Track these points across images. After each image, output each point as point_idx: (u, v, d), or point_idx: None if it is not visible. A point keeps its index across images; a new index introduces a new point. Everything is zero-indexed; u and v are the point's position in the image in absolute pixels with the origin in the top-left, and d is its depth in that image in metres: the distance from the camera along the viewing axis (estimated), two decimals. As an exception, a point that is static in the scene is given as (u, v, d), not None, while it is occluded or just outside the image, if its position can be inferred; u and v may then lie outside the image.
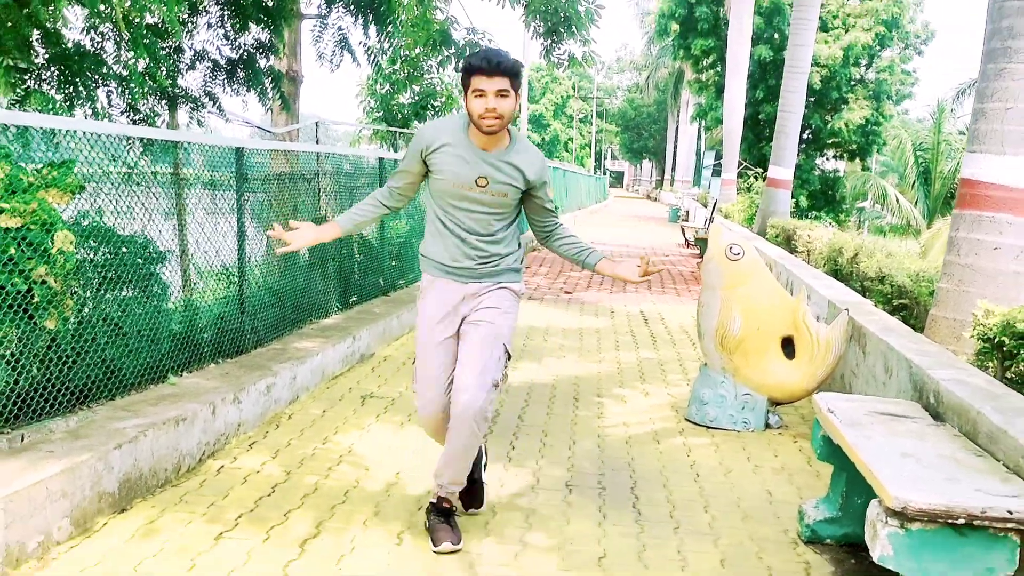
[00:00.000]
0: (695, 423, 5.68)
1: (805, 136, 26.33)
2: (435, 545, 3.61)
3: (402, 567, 3.49)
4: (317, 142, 11.11)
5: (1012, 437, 3.02)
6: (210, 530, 3.73)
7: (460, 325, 3.64)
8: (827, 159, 29.64)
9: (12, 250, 3.98)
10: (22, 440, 3.85)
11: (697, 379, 5.81)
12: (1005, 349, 4.58)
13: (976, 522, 2.64)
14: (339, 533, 3.78)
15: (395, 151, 13.51)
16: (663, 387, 6.69)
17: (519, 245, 3.76)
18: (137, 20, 5.69)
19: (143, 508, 3.93)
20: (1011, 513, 2.62)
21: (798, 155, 22.14)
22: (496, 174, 3.50)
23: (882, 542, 2.75)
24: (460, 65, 3.53)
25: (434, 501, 3.76)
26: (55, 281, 4.22)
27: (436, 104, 14.36)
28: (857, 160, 29.33)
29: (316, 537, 3.73)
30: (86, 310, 4.55)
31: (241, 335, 5.87)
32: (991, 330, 4.67)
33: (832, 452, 3.80)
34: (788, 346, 5.61)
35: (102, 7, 5.41)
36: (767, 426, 5.63)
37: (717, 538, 3.92)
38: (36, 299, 4.11)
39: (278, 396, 5.46)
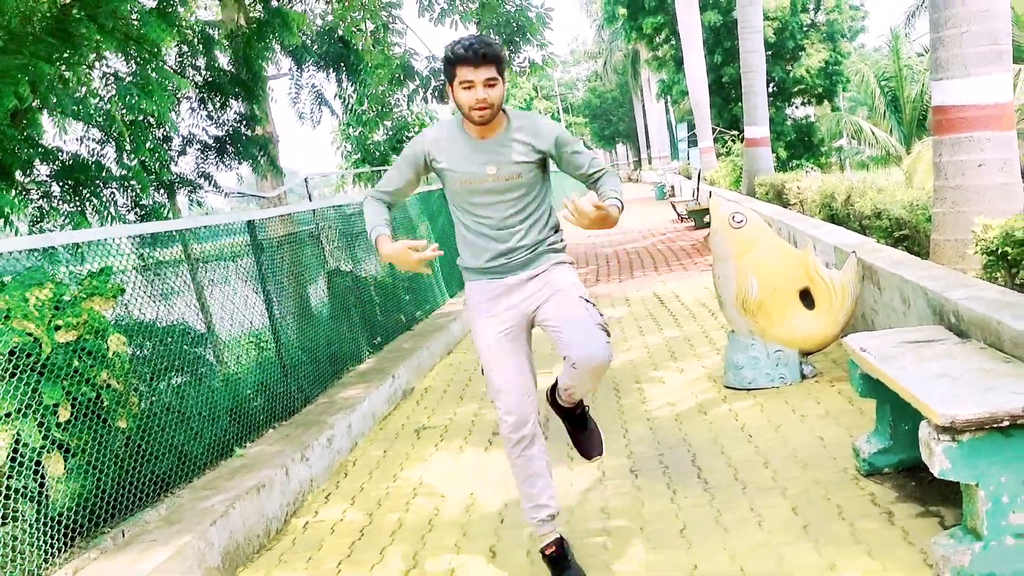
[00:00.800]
0: (735, 388, 5.92)
1: (770, 89, 26.59)
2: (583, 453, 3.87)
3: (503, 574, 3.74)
4: (310, 198, 11.36)
5: (1036, 339, 3.27)
6: (316, 581, 3.97)
7: (526, 316, 3.55)
8: (796, 107, 29.91)
9: (76, 362, 4.23)
10: (123, 535, 4.09)
11: (728, 346, 6.05)
12: (1010, 258, 4.80)
13: (1020, 421, 2.88)
14: (436, 560, 4.01)
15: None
16: (695, 361, 6.93)
17: (556, 228, 3.64)
18: (133, 121, 5.95)
19: (248, 575, 4.17)
20: (1050, 406, 2.86)
21: (769, 109, 22.42)
22: (503, 158, 3.41)
23: (939, 458, 2.98)
24: (443, 55, 3.43)
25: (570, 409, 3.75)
26: (117, 383, 4.47)
27: (410, 135, 14.61)
28: (825, 102, 29.61)
29: (416, 568, 3.96)
30: (147, 403, 4.79)
31: (289, 397, 6.12)
32: (993, 243, 4.89)
33: (872, 387, 4.04)
34: (806, 298, 5.84)
35: (100, 118, 5.68)
36: (803, 377, 5.86)
37: (784, 489, 4.15)
38: (105, 403, 4.36)
39: (339, 446, 5.70)
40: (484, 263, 3.55)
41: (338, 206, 8.49)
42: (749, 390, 5.84)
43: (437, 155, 3.48)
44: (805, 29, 26.56)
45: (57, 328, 4.25)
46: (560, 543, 3.61)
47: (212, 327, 5.87)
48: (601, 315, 3.46)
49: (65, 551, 3.87)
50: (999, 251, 4.86)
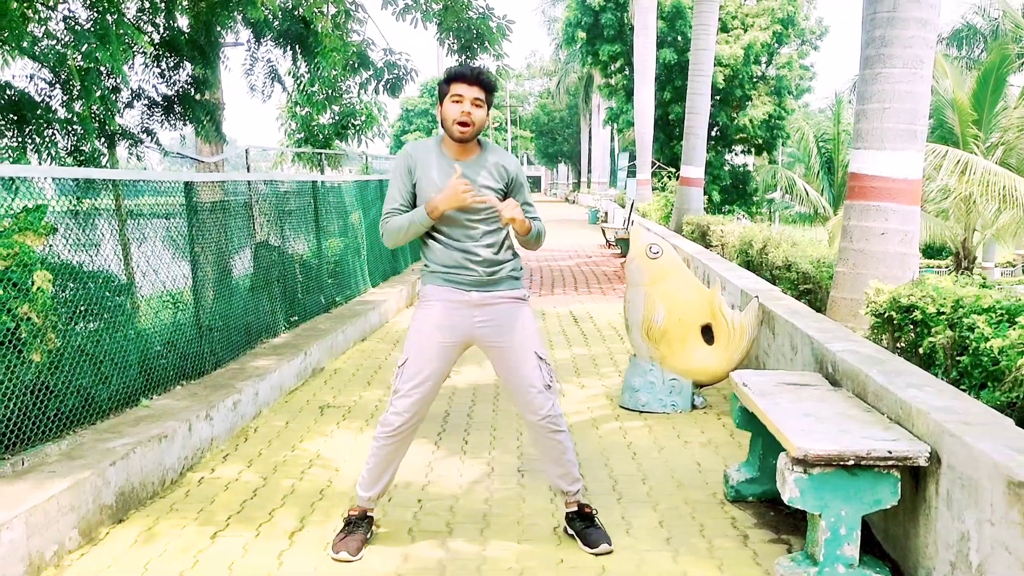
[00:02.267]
0: (629, 409, 6.24)
1: (713, 133, 27.36)
2: (592, 548, 3.84)
3: (381, 548, 3.95)
4: (248, 169, 11.43)
5: (893, 393, 3.61)
6: (205, 531, 4.14)
7: (467, 340, 3.86)
8: (736, 154, 30.76)
9: (0, 291, 4.34)
10: (23, 464, 4.20)
11: (628, 369, 6.37)
12: (895, 323, 5.20)
13: (863, 462, 3.22)
14: (322, 525, 4.22)
15: (321, 172, 13.86)
16: (597, 379, 7.24)
17: (515, 254, 3.91)
18: (87, 68, 6.03)
19: (138, 518, 4.32)
20: (891, 453, 3.19)
21: (708, 152, 23.09)
22: (475, 178, 3.68)
23: (790, 486, 3.31)
24: (443, 76, 3.74)
25: (574, 510, 4.00)
26: (37, 317, 4.58)
27: (356, 123, 14.69)
28: (764, 154, 30.49)
29: (302, 530, 4.16)
30: (63, 342, 4.89)
31: (201, 358, 6.24)
32: (881, 306, 5.28)
33: (748, 420, 4.39)
34: (707, 333, 6.19)
35: (53, 60, 5.76)
36: (693, 407, 6.21)
37: (655, 504, 4.46)
38: (23, 335, 4.47)
39: (244, 412, 5.86)
40: (447, 269, 3.79)
41: (275, 181, 8.62)
42: (641, 412, 6.16)
43: (416, 166, 3.76)
44: (754, 80, 27.38)
45: (-14, 256, 4.35)
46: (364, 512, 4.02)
47: (133, 279, 5.97)
48: (550, 368, 3.91)
49: (-36, 471, 3.98)
50: (886, 315, 5.25)
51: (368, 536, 3.97)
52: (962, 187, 18.96)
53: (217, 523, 4.24)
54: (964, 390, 4.09)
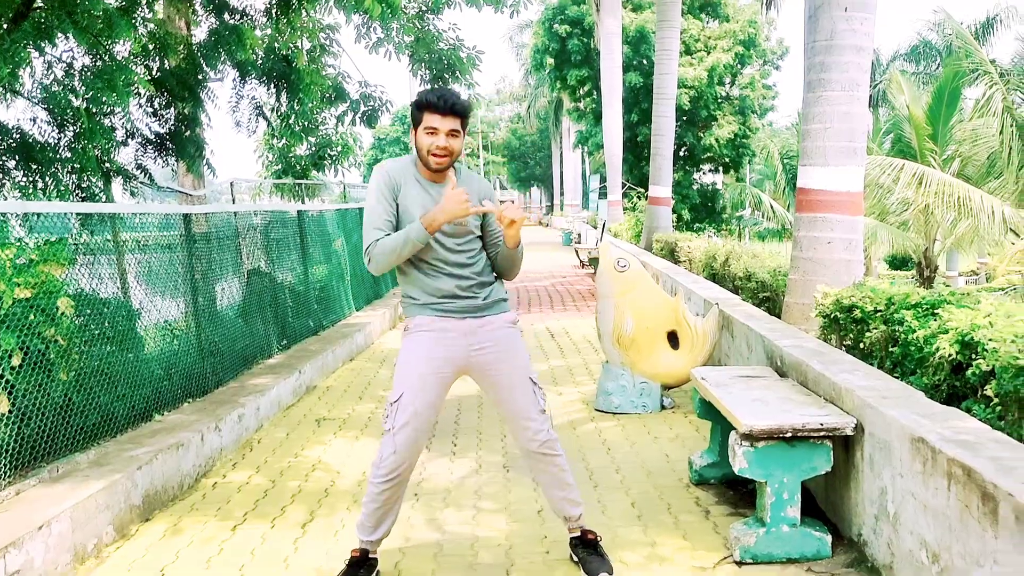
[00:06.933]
0: (603, 411, 6.76)
1: (681, 153, 28.06)
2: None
3: (385, 533, 4.44)
4: (233, 200, 11.91)
5: (828, 377, 4.16)
6: (225, 525, 4.62)
7: (461, 369, 3.71)
8: (704, 173, 31.48)
9: (30, 316, 4.81)
10: (58, 471, 4.66)
11: (601, 374, 6.90)
12: (840, 322, 5.75)
13: (800, 434, 3.76)
14: (329, 517, 4.70)
15: (302, 201, 14.32)
16: (574, 387, 7.76)
17: (498, 278, 3.82)
18: (92, 111, 6.53)
19: (163, 517, 4.79)
20: (822, 425, 3.74)
21: (677, 172, 23.72)
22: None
23: (739, 459, 3.84)
24: (414, 99, 3.65)
25: (577, 536, 3.95)
26: (63, 340, 5.05)
27: (332, 153, 15.18)
28: (732, 172, 31.24)
29: (312, 521, 4.65)
30: (84, 363, 5.36)
31: (204, 377, 6.71)
32: (828, 308, 5.84)
33: (708, 410, 4.92)
34: (673, 339, 6.74)
35: (61, 104, 6.26)
36: (662, 407, 6.74)
37: (628, 489, 4.98)
38: (51, 356, 4.94)
39: (247, 424, 6.33)
40: (435, 300, 3.64)
41: (263, 211, 9.11)
42: (615, 414, 6.68)
43: (400, 187, 3.59)
44: (719, 101, 28.13)
45: (17, 285, 4.82)
46: (366, 553, 3.86)
47: (141, 307, 6.44)
48: (543, 393, 3.80)
49: (8, 476, 4.43)
50: (832, 315, 5.80)
51: None
52: (919, 198, 19.72)
53: (235, 518, 4.72)
54: (898, 378, 4.64)
